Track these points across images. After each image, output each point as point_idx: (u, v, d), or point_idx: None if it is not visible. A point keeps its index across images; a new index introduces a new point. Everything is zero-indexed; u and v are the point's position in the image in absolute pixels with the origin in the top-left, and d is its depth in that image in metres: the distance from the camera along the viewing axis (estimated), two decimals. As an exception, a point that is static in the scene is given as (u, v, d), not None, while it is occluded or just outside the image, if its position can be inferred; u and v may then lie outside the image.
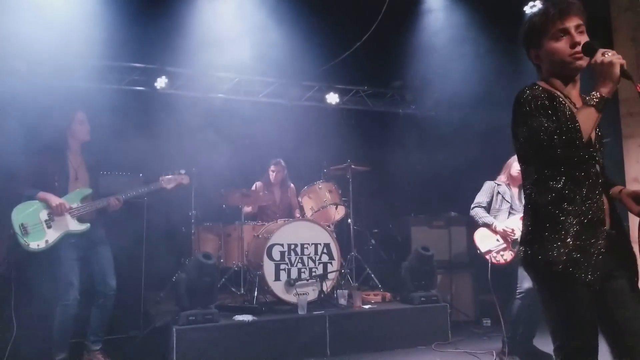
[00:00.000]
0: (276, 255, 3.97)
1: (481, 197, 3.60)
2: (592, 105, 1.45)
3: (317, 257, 4.10)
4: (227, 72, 5.56)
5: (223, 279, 4.48)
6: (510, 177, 3.54)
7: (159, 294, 4.43)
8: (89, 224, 3.18)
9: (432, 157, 5.54)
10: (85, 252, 3.20)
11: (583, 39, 1.54)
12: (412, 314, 3.92)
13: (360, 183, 5.11)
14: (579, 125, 1.44)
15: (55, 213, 3.07)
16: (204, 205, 4.88)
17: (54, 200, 3.08)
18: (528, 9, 5.14)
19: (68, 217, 3.12)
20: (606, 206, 1.55)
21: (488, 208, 3.56)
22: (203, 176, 4.68)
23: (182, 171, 3.54)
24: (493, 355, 3.48)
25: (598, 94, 1.46)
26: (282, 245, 4.00)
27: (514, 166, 3.50)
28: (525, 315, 3.23)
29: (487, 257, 3.42)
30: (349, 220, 4.82)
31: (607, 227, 1.53)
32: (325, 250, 4.13)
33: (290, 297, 3.89)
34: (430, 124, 6.05)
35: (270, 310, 3.81)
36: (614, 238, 1.54)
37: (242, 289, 4.39)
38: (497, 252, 3.38)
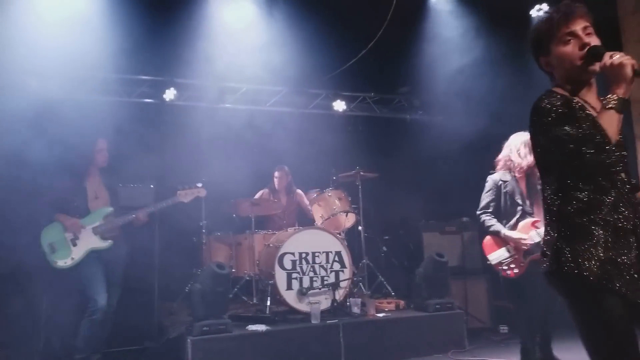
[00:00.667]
0: (287, 264, 3.95)
1: (487, 200, 3.28)
2: (612, 108, 1.43)
3: (329, 265, 4.07)
4: (234, 82, 5.59)
5: (235, 289, 4.47)
6: (519, 167, 3.18)
7: (173, 304, 4.42)
8: (111, 241, 3.38)
9: (441, 162, 5.51)
10: (106, 266, 3.37)
11: (593, 40, 1.51)
12: (428, 321, 3.87)
13: (370, 190, 5.09)
14: (604, 130, 1.41)
15: (72, 230, 3.29)
16: (214, 215, 4.88)
17: (68, 221, 3.30)
18: (535, 12, 5.14)
19: (91, 234, 3.34)
20: (634, 213, 1.50)
21: (497, 210, 3.26)
22: (213, 186, 4.69)
23: (199, 184, 3.71)
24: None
25: (615, 95, 1.43)
26: (293, 254, 3.98)
27: (525, 152, 3.14)
28: (540, 322, 3.16)
29: (498, 269, 3.22)
30: (360, 228, 4.80)
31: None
32: (336, 258, 4.11)
33: (302, 306, 3.86)
34: (438, 129, 6.03)
35: (283, 319, 3.79)
36: None
37: (254, 299, 4.37)
38: (508, 265, 3.16)
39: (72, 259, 3.26)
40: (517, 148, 3.22)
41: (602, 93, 1.67)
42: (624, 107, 1.43)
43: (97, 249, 3.33)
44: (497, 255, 3.23)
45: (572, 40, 1.52)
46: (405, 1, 4.74)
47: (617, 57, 1.42)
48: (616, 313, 1.40)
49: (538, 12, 5.13)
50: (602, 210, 1.45)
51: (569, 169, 1.49)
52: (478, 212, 3.34)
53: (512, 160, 3.23)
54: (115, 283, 3.42)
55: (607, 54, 1.45)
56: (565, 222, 1.49)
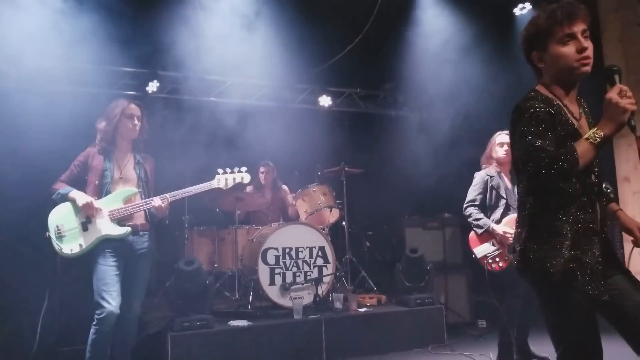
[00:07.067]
0: (271, 259, 3.94)
1: (474, 194, 3.38)
2: (592, 144, 1.43)
3: (312, 261, 4.08)
4: (219, 75, 5.52)
5: (217, 284, 4.45)
6: (498, 163, 3.36)
7: (153, 299, 4.38)
8: (129, 229, 2.83)
9: (425, 158, 5.55)
10: (125, 261, 2.85)
11: (589, 44, 1.52)
12: (408, 316, 3.91)
13: (354, 185, 5.11)
14: (578, 158, 1.41)
15: (86, 213, 2.78)
16: (197, 210, 4.83)
17: (82, 198, 2.78)
18: (518, 11, 5.19)
19: (107, 219, 2.80)
20: (599, 214, 1.55)
21: (482, 204, 3.36)
22: (196, 180, 4.64)
23: (244, 169, 3.17)
24: (490, 357, 3.48)
25: (602, 133, 1.43)
26: (276, 249, 3.98)
27: (497, 150, 3.34)
28: (519, 317, 3.22)
29: (483, 262, 3.30)
30: (344, 223, 4.81)
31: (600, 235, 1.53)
32: (320, 254, 4.12)
33: (285, 302, 3.87)
34: (422, 125, 6.08)
35: (265, 315, 3.79)
36: (604, 242, 1.55)
37: (237, 294, 4.36)
38: (492, 259, 3.26)
39: (80, 245, 2.73)
40: (492, 146, 3.41)
41: (581, 94, 1.70)
42: (603, 145, 1.44)
43: (111, 237, 2.78)
44: (482, 248, 3.32)
45: (570, 42, 1.52)
46: (391, -3, 4.75)
47: (626, 98, 1.41)
48: (580, 307, 1.46)
49: (521, 10, 5.18)
50: (570, 210, 1.50)
51: (535, 185, 1.50)
52: (465, 205, 3.42)
53: (490, 157, 3.42)
54: (138, 282, 2.90)
55: (617, 88, 1.44)
56: (534, 221, 1.54)
